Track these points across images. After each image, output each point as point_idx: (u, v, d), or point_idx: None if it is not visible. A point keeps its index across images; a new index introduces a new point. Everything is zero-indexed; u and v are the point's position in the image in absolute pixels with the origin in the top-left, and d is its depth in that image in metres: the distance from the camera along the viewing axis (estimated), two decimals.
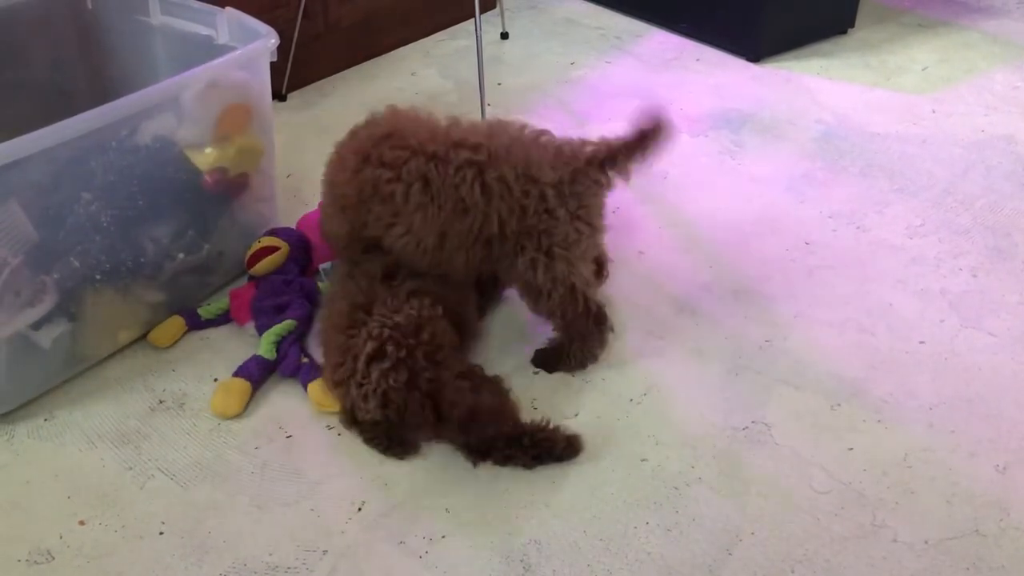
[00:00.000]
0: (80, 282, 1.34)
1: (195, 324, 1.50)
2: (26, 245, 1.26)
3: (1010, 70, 2.39)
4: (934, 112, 2.19)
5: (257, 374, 1.38)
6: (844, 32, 2.58)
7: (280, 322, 1.43)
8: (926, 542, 1.18)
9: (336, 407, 1.33)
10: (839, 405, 1.38)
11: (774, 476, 1.26)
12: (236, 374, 1.37)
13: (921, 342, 1.50)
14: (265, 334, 1.42)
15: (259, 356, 1.40)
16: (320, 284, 1.55)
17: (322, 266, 1.59)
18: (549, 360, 1.44)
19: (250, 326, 1.46)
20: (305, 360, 1.40)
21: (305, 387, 1.36)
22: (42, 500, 1.22)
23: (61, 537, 1.17)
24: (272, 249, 1.51)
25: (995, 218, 1.80)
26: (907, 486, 1.25)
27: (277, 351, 1.41)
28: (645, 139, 1.33)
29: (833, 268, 1.67)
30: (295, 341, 1.42)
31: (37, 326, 1.31)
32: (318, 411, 1.34)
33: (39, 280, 1.29)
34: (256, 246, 1.52)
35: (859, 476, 1.26)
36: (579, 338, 1.41)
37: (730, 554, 1.16)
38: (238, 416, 1.34)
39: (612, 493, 1.24)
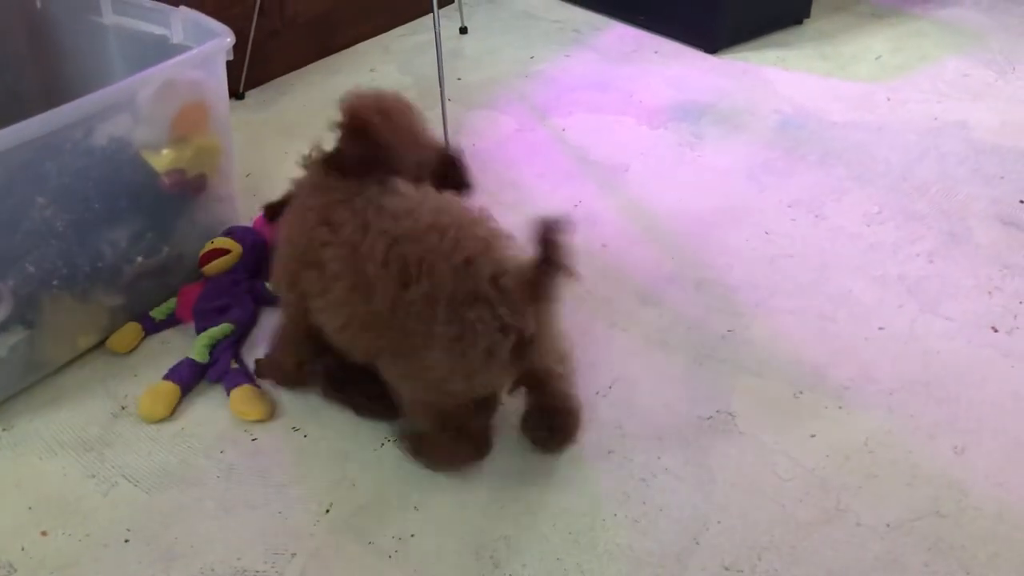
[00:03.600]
0: (37, 288, 1.32)
1: (151, 328, 1.48)
2: None
3: (961, 57, 2.43)
4: (888, 100, 2.22)
5: (187, 378, 1.36)
6: (800, 22, 2.61)
7: (218, 325, 1.42)
8: (888, 525, 1.20)
9: (257, 416, 1.32)
10: (801, 392, 1.40)
11: (739, 464, 1.28)
12: (166, 377, 1.36)
13: (880, 328, 1.52)
14: (199, 336, 1.41)
15: (191, 359, 1.38)
16: (268, 283, 1.53)
17: None
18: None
19: (191, 326, 1.46)
20: (235, 366, 1.39)
21: (228, 393, 1.35)
22: (2, 512, 1.20)
23: (23, 549, 1.15)
24: (223, 251, 1.50)
25: (950, 204, 1.84)
26: (869, 470, 1.27)
27: (210, 354, 1.40)
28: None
29: (793, 257, 1.69)
30: (229, 346, 1.41)
31: None
32: (239, 419, 1.33)
33: None
34: (209, 246, 1.51)
35: (822, 462, 1.28)
36: None
37: (698, 543, 1.17)
38: (164, 420, 1.33)
39: (580, 486, 1.24)
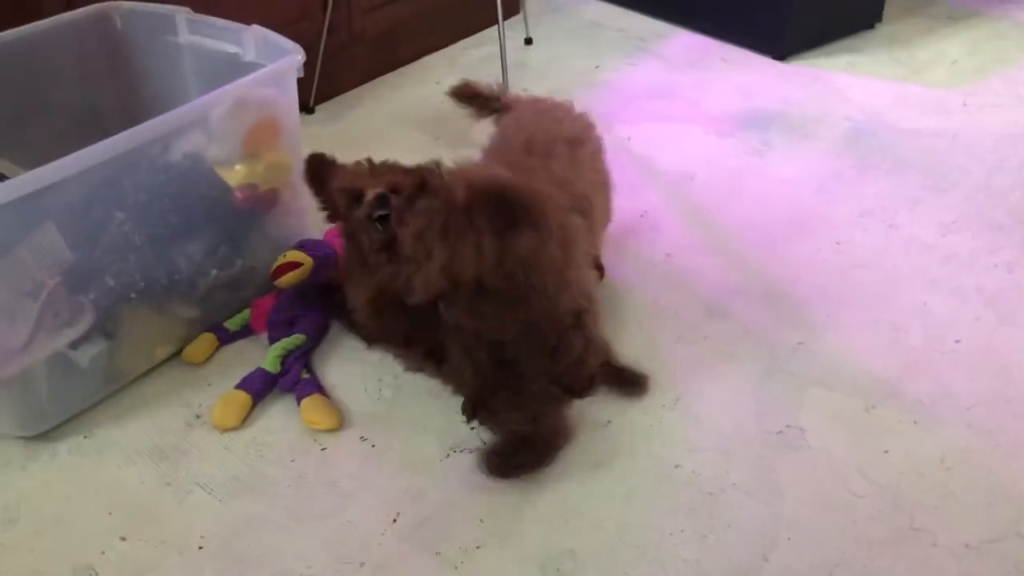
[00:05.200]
0: (116, 301, 1.36)
1: (225, 338, 1.52)
2: (62, 266, 1.28)
3: None
4: (965, 105, 2.16)
5: (259, 387, 1.39)
6: (871, 27, 2.56)
7: (289, 336, 1.45)
8: (966, 545, 1.16)
9: (327, 426, 1.33)
10: (874, 407, 1.37)
11: (809, 480, 1.26)
12: (238, 386, 1.39)
13: (957, 341, 1.48)
14: (272, 347, 1.44)
15: (263, 369, 1.41)
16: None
17: None
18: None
19: (264, 337, 1.49)
20: (306, 375, 1.41)
21: (299, 402, 1.37)
22: (84, 517, 1.24)
23: (103, 553, 1.19)
24: (295, 265, 1.53)
25: None
26: (946, 488, 1.24)
27: (282, 364, 1.42)
28: None
29: (865, 268, 1.65)
30: (300, 356, 1.44)
31: (75, 345, 1.33)
32: (308, 428, 1.35)
33: (76, 300, 1.31)
34: (281, 260, 1.54)
35: (896, 479, 1.25)
36: None
37: (767, 560, 1.15)
38: (236, 428, 1.35)
39: (646, 500, 1.23)
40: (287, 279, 1.52)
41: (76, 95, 1.71)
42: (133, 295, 1.38)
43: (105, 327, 1.36)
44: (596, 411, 1.36)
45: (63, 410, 1.37)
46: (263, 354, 1.45)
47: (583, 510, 1.23)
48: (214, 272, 1.49)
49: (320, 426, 1.34)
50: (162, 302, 1.43)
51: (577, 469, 1.28)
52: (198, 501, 1.26)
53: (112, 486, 1.28)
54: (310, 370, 1.44)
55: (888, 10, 2.56)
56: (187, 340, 1.49)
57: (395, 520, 1.22)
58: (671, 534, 1.19)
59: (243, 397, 1.37)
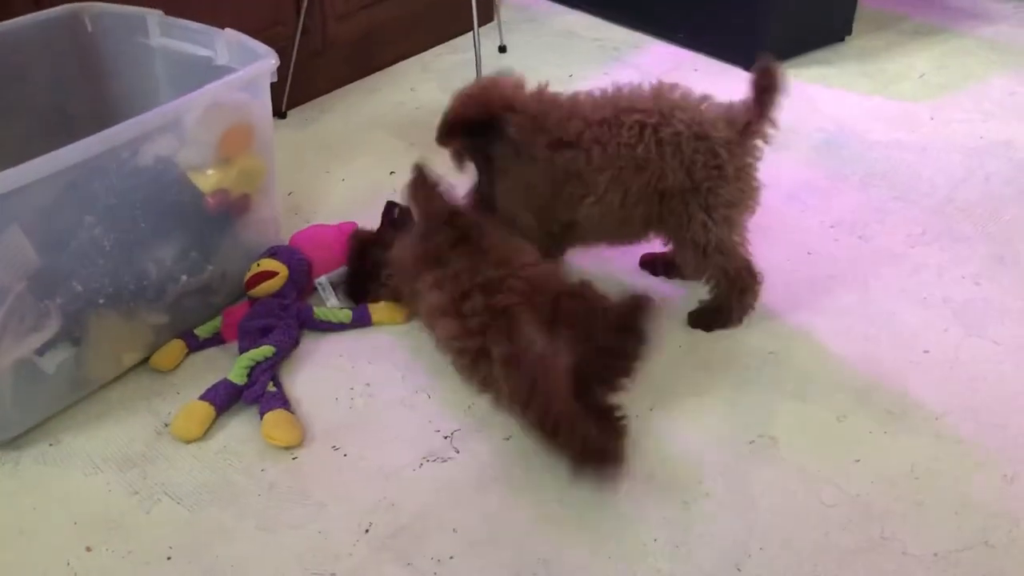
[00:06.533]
0: (84, 306, 1.34)
1: (195, 345, 1.49)
2: (29, 270, 1.25)
3: (1008, 76, 2.40)
4: (933, 119, 2.19)
5: (223, 399, 1.37)
6: (842, 40, 2.59)
7: (259, 346, 1.43)
8: (935, 554, 1.17)
9: (287, 442, 1.31)
10: (845, 417, 1.38)
11: (782, 490, 1.26)
12: (202, 397, 1.37)
13: (925, 351, 1.50)
14: (239, 358, 1.41)
15: (228, 380, 1.39)
16: (316, 311, 1.54)
17: (318, 280, 1.60)
18: (708, 320, 1.54)
19: (235, 345, 1.47)
20: (272, 388, 1.39)
21: (261, 416, 1.35)
22: (48, 527, 1.22)
23: (68, 564, 1.17)
24: (271, 274, 1.51)
25: (996, 225, 1.80)
26: (915, 497, 1.25)
27: (249, 376, 1.40)
28: (769, 94, 1.43)
29: (835, 278, 1.67)
30: (268, 368, 1.41)
31: (41, 351, 1.31)
32: (267, 444, 1.32)
33: (43, 305, 1.29)
34: (255, 268, 1.52)
35: (867, 488, 1.26)
36: (737, 294, 1.50)
37: (739, 570, 1.16)
38: (198, 440, 1.33)
39: (620, 510, 1.23)
40: (262, 288, 1.51)
41: (45, 96, 1.68)
42: (101, 300, 1.36)
43: (72, 333, 1.34)
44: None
45: (28, 417, 1.35)
46: (232, 363, 1.43)
47: (557, 520, 1.22)
48: (184, 278, 1.47)
49: (280, 442, 1.32)
50: (130, 308, 1.41)
51: (551, 478, 1.27)
52: (166, 510, 1.24)
53: (78, 495, 1.26)
54: (277, 383, 1.41)
55: (858, 24, 2.60)
56: (155, 347, 1.47)
57: (367, 530, 1.21)
58: (645, 544, 1.19)
59: (206, 408, 1.35)
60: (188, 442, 1.33)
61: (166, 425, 1.37)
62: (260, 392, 1.38)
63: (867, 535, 1.20)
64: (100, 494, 1.26)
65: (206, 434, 1.34)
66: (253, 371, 1.40)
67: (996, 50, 2.55)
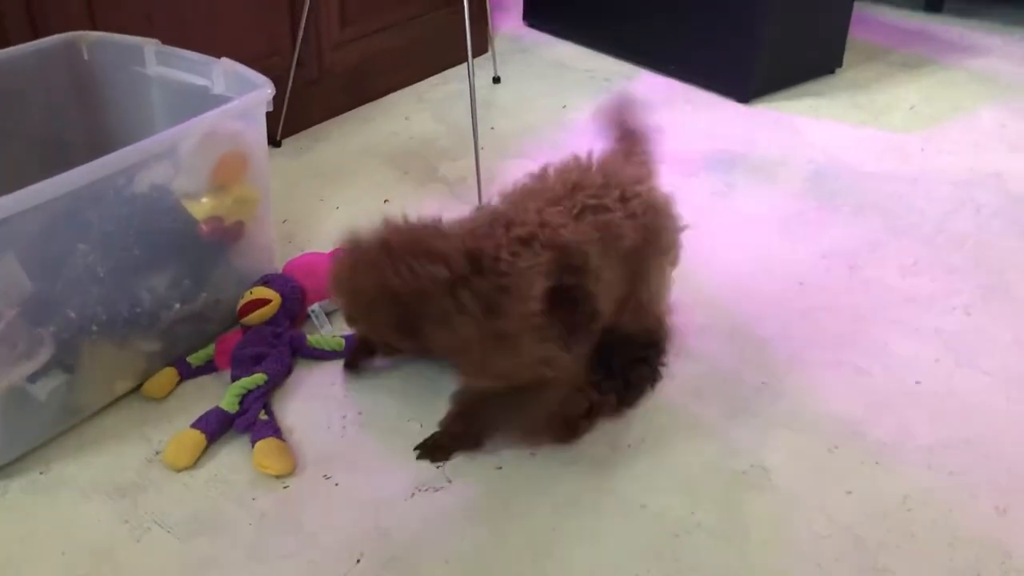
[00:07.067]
0: (76, 333, 1.34)
1: (187, 373, 1.49)
2: (22, 297, 1.25)
3: (996, 108, 2.42)
4: (923, 150, 2.22)
5: (215, 427, 1.36)
6: (832, 72, 2.62)
7: (251, 374, 1.42)
8: None
9: (278, 471, 1.31)
10: (837, 447, 1.38)
11: (774, 521, 1.26)
12: (194, 425, 1.36)
13: (917, 382, 1.50)
14: (231, 386, 1.41)
15: (220, 408, 1.38)
16: (309, 338, 1.55)
17: (311, 308, 1.60)
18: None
19: (227, 373, 1.46)
20: (264, 417, 1.38)
21: (253, 444, 1.34)
22: (36, 557, 1.21)
23: None
24: (263, 302, 1.51)
25: (986, 256, 1.82)
26: (908, 529, 1.25)
27: (240, 404, 1.39)
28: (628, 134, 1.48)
29: (827, 308, 1.67)
30: (260, 396, 1.41)
31: (33, 379, 1.30)
32: (258, 472, 1.32)
33: (35, 332, 1.29)
34: (248, 296, 1.52)
35: (859, 520, 1.26)
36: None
37: None
38: (189, 468, 1.33)
39: (613, 540, 1.23)
40: (255, 317, 1.51)
41: (41, 124, 1.68)
42: (94, 328, 1.36)
43: (64, 360, 1.34)
44: (562, 450, 1.36)
45: (18, 445, 1.34)
46: (225, 391, 1.43)
47: (549, 550, 1.22)
48: (177, 305, 1.47)
49: (271, 471, 1.31)
50: (123, 335, 1.41)
51: (543, 509, 1.27)
52: (156, 540, 1.23)
53: (67, 525, 1.25)
54: (269, 412, 1.40)
55: (848, 56, 2.63)
56: (148, 374, 1.46)
57: (359, 560, 1.20)
58: (637, 575, 1.18)
59: (197, 436, 1.35)
60: (179, 470, 1.32)
61: (157, 453, 1.36)
62: (252, 420, 1.37)
63: (859, 567, 1.20)
64: (90, 523, 1.25)
65: (197, 463, 1.34)
66: (245, 399, 1.40)
67: (984, 82, 2.58)
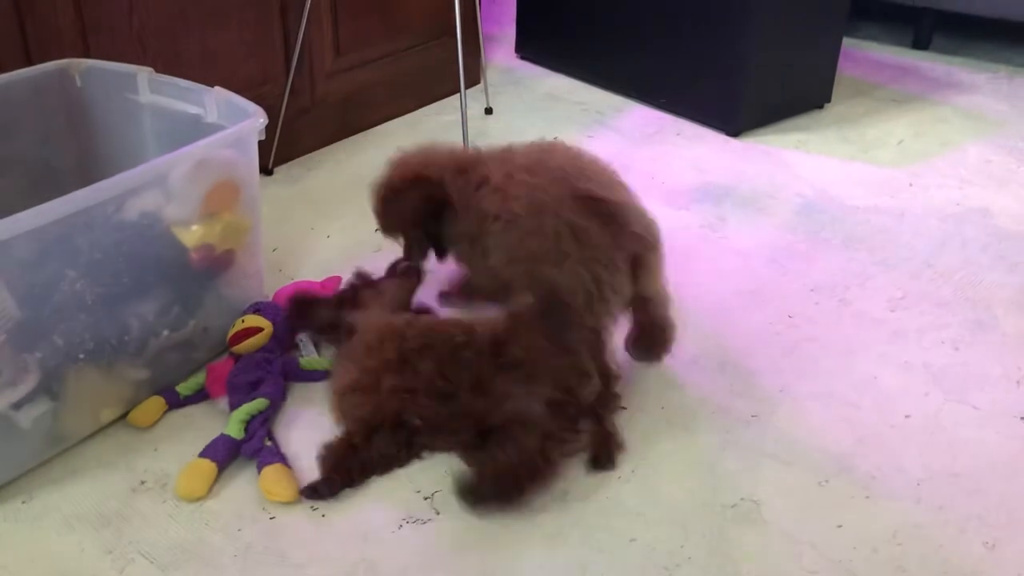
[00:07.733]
0: (63, 360, 1.33)
1: (175, 402, 1.48)
2: (9, 324, 1.25)
3: (982, 144, 2.45)
4: (911, 185, 2.23)
5: (224, 454, 1.35)
6: (821, 107, 2.64)
7: (252, 400, 1.42)
8: None
9: (285, 498, 1.30)
10: (827, 481, 1.37)
11: (764, 555, 1.25)
12: (202, 454, 1.35)
13: (906, 416, 1.51)
14: (234, 412, 1.40)
15: (226, 435, 1.37)
16: (302, 361, 1.54)
17: (299, 337, 1.59)
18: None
19: (223, 401, 1.45)
20: (268, 443, 1.37)
21: (259, 470, 1.33)
22: None
23: None
24: (256, 330, 1.51)
25: (974, 291, 1.83)
26: (898, 563, 1.24)
27: (246, 430, 1.39)
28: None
29: (817, 341, 1.68)
30: (264, 421, 1.40)
31: (18, 406, 1.29)
32: (264, 497, 1.31)
33: (21, 359, 1.28)
34: (240, 325, 1.51)
35: (849, 554, 1.26)
36: None
37: None
38: (202, 498, 1.31)
39: (602, 575, 1.22)
40: (247, 345, 1.50)
41: (32, 150, 1.69)
42: (81, 355, 1.35)
43: (50, 387, 1.33)
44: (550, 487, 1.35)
45: (2, 474, 1.32)
46: (213, 419, 1.42)
47: None
48: (165, 332, 1.46)
49: (279, 497, 1.30)
50: (110, 363, 1.40)
51: (532, 542, 1.26)
52: (140, 571, 1.21)
53: (50, 554, 1.23)
54: (271, 437, 1.40)
55: (836, 91, 2.66)
56: (135, 402, 1.45)
57: None
58: None
59: (208, 465, 1.33)
60: (192, 501, 1.31)
61: (142, 483, 1.34)
62: (259, 446, 1.36)
63: None
64: (73, 553, 1.24)
65: (208, 494, 1.32)
66: (250, 424, 1.39)
67: (971, 118, 2.61)
